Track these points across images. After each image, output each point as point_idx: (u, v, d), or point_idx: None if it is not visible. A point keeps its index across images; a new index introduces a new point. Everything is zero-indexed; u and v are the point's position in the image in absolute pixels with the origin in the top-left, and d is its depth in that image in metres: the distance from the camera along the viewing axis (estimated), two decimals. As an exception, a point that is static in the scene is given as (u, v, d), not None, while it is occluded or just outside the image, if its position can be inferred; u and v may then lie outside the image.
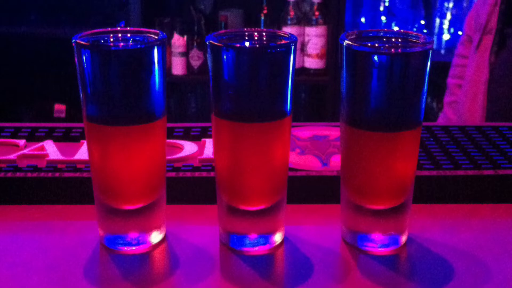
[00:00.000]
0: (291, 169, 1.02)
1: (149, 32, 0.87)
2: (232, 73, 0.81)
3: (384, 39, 0.87)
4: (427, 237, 0.92)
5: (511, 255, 0.88)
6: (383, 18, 3.29)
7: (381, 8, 3.29)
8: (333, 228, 0.94)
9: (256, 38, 0.87)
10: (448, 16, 3.27)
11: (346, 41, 0.82)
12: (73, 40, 0.81)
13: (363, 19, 3.34)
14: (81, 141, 1.16)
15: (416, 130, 0.84)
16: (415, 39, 0.85)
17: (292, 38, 0.83)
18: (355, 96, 0.84)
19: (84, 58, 0.81)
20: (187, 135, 1.20)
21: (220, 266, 0.86)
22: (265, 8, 3.19)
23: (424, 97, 0.83)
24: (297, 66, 3.00)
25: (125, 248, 0.88)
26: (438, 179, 1.03)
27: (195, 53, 3.14)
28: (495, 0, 1.97)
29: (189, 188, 1.02)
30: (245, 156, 0.84)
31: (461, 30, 2.80)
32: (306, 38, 3.11)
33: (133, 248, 0.88)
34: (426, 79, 0.82)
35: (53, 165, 1.06)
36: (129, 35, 0.88)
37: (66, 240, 0.91)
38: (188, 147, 1.14)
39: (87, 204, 0.99)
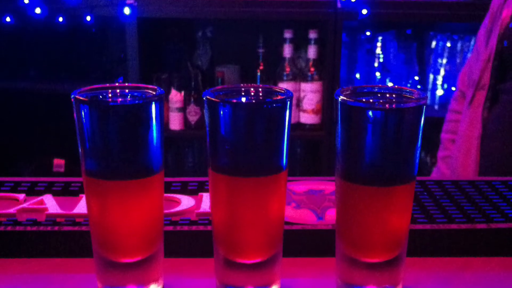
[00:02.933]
0: (287, 223, 1.03)
1: (147, 88, 0.88)
2: (228, 128, 0.82)
3: (379, 95, 0.88)
4: (421, 290, 0.93)
5: (505, 308, 0.89)
6: (377, 74, 3.31)
7: (376, 64, 3.32)
8: (328, 281, 0.94)
9: (252, 93, 0.88)
10: (442, 72, 3.30)
11: (341, 97, 0.83)
12: (72, 96, 0.82)
13: (357, 75, 3.37)
14: (80, 195, 1.17)
15: (410, 185, 0.85)
16: (409, 95, 0.86)
17: (288, 94, 0.84)
18: (350, 151, 0.85)
19: (82, 113, 0.82)
20: (184, 190, 1.21)
21: (217, 319, 0.86)
22: (261, 64, 3.22)
23: (418, 152, 0.84)
24: (292, 121, 3.01)
25: (123, 301, 0.88)
26: (432, 232, 1.04)
27: (192, 108, 3.16)
28: (488, 56, 1.99)
29: (187, 241, 1.03)
30: (241, 210, 0.85)
31: (455, 86, 2.82)
32: (302, 94, 3.13)
33: (131, 301, 0.88)
34: (420, 134, 0.83)
35: (52, 219, 1.07)
36: (127, 90, 0.89)
37: (65, 293, 0.92)
38: (186, 201, 1.14)
39: (86, 257, 1.00)
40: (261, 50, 3.22)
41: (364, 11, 2.98)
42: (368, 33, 3.36)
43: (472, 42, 3.23)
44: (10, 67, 3.46)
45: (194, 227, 1.04)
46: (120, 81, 3.24)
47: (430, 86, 3.33)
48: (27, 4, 2.99)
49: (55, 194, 1.18)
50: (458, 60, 3.28)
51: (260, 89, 0.89)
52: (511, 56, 1.94)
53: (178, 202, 1.15)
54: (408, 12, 3.07)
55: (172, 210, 1.11)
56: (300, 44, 3.20)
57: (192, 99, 3.16)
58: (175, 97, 3.15)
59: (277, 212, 0.87)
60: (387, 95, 0.88)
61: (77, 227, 1.03)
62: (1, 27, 3.10)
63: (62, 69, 3.45)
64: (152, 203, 0.87)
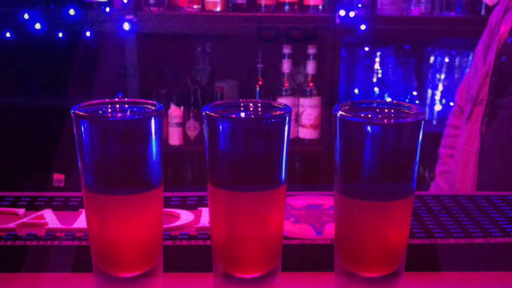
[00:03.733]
0: (286, 238, 1.03)
1: (147, 103, 0.88)
2: (228, 143, 0.82)
3: (377, 110, 0.89)
4: (420, 304, 0.93)
5: (503, 322, 0.89)
6: (376, 89, 3.32)
7: (374, 80, 3.32)
8: (328, 295, 0.95)
9: (251, 109, 0.89)
10: (440, 87, 3.30)
11: (340, 112, 0.83)
12: (72, 111, 0.83)
13: (356, 90, 3.37)
14: (80, 210, 1.17)
15: (409, 199, 0.86)
16: (408, 110, 0.86)
17: (287, 109, 0.85)
18: (349, 166, 0.85)
19: (82, 128, 0.82)
20: (183, 204, 1.21)
21: (216, 333, 0.86)
22: (260, 79, 3.22)
23: (416, 166, 0.84)
24: (291, 136, 3.02)
25: (123, 316, 0.88)
26: (430, 247, 1.04)
27: (191, 123, 3.16)
28: (486, 72, 1.99)
29: (186, 256, 1.03)
30: (240, 224, 0.85)
31: (453, 101, 2.83)
32: (301, 109, 3.14)
33: (130, 315, 0.88)
34: (418, 149, 0.83)
35: (52, 234, 1.07)
36: (126, 106, 0.89)
37: (64, 307, 0.92)
38: (185, 216, 1.15)
39: (85, 272, 1.00)
40: (260, 66, 3.23)
41: (363, 27, 2.99)
42: (366, 49, 3.37)
43: (470, 58, 3.23)
44: (10, 83, 3.46)
45: (193, 242, 1.04)
46: (120, 96, 3.25)
47: (428, 101, 3.34)
48: (27, 19, 3.00)
49: (55, 209, 1.18)
50: (456, 76, 3.28)
51: (259, 104, 0.89)
52: (509, 71, 1.95)
53: (177, 217, 1.15)
54: (406, 28, 3.08)
55: (171, 225, 1.11)
56: (299, 60, 3.21)
57: (192, 114, 3.17)
58: (175, 112, 3.15)
59: (276, 226, 0.87)
60: (386, 110, 0.88)
61: (76, 241, 1.03)
62: (1, 42, 3.11)
63: (61, 84, 3.45)
64: (152, 217, 0.87)
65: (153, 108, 0.86)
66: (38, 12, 3.04)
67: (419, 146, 0.83)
